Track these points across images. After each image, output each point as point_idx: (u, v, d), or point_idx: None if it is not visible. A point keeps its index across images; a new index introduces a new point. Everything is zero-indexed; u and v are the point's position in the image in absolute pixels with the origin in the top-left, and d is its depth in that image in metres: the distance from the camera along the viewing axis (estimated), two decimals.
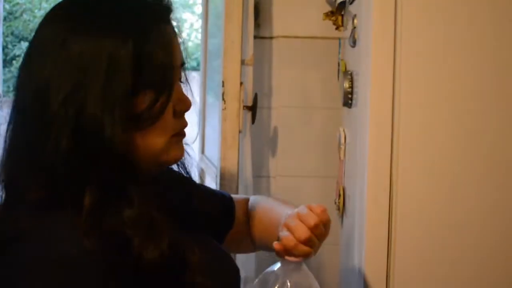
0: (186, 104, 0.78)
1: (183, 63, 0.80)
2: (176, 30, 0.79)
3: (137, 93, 0.71)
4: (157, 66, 0.72)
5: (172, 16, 0.78)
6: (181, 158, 0.81)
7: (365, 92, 1.24)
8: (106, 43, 0.70)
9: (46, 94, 0.70)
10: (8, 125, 0.74)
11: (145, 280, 0.68)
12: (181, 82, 0.80)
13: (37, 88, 0.71)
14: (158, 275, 0.69)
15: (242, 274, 0.92)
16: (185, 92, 0.80)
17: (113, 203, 0.69)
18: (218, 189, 1.81)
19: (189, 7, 14.51)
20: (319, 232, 0.81)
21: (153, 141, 0.75)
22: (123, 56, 0.70)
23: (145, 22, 0.73)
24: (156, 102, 0.72)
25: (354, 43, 1.39)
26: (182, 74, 0.80)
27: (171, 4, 0.78)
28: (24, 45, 10.44)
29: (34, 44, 0.75)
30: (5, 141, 0.74)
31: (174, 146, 0.78)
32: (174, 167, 0.87)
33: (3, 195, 0.74)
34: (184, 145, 0.81)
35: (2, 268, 0.67)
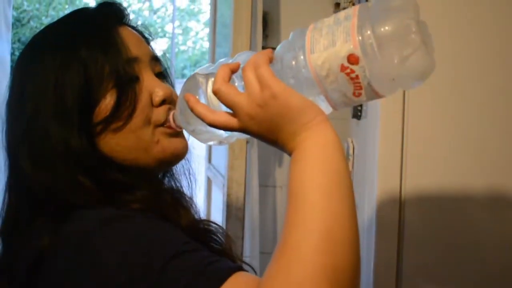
0: (158, 94, 0.78)
1: (155, 57, 0.81)
2: (142, 29, 0.84)
3: (99, 98, 0.73)
4: (111, 68, 0.74)
5: (128, 17, 0.83)
6: (181, 153, 0.80)
7: (375, 104, 1.24)
8: (51, 69, 0.74)
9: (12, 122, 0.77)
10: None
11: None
12: (161, 77, 0.82)
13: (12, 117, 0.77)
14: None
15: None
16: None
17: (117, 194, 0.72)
18: (225, 198, 1.81)
19: (194, 15, 14.59)
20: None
21: (139, 134, 0.75)
22: (68, 76, 0.73)
23: (88, 33, 0.76)
24: (120, 99, 0.73)
25: None
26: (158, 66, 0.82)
27: (120, 7, 0.82)
28: None
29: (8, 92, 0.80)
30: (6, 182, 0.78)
31: (164, 138, 0.78)
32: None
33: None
34: (183, 141, 0.81)
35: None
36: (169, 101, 0.79)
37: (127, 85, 0.74)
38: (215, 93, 0.69)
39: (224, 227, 1.80)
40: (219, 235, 0.81)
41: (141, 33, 0.84)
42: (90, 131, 0.73)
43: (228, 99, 0.68)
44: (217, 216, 1.95)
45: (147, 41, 0.84)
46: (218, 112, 0.70)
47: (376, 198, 1.22)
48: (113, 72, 0.74)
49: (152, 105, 0.77)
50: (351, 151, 1.51)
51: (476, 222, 1.20)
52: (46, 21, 9.96)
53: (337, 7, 1.80)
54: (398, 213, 1.21)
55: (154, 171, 0.81)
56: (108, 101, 0.73)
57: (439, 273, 1.20)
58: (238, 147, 1.72)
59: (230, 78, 0.70)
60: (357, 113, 1.41)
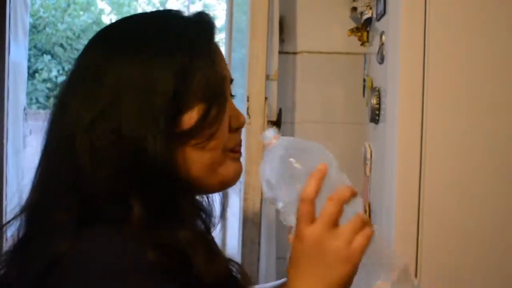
0: (240, 120, 0.77)
1: (232, 80, 0.79)
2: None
3: (186, 108, 0.71)
4: (206, 80, 0.72)
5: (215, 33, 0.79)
6: (239, 176, 0.79)
7: (394, 108, 1.24)
8: (144, 66, 0.70)
9: (75, 115, 0.70)
10: (42, 151, 0.74)
11: None
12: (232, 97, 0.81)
13: (66, 112, 0.72)
14: None
15: None
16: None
17: (165, 220, 0.69)
18: (242, 203, 1.81)
19: None
20: None
21: (214, 154, 0.73)
22: (162, 76, 0.70)
23: (188, 40, 0.74)
24: (207, 115, 0.71)
25: (382, 59, 1.39)
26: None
27: (214, 21, 0.79)
28: (47, 58, 10.58)
29: (71, 75, 0.75)
30: (38, 165, 0.74)
31: (231, 161, 0.76)
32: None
33: (29, 220, 0.72)
34: (241, 165, 0.79)
35: None
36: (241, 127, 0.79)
37: (218, 103, 0.73)
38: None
39: (241, 232, 1.81)
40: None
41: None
42: (171, 139, 0.70)
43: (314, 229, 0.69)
44: (233, 221, 1.95)
45: None
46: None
47: (395, 203, 1.21)
48: (207, 85, 0.72)
49: (230, 128, 0.76)
50: (368, 156, 1.50)
51: (496, 228, 1.19)
52: (62, 27, 9.99)
53: (354, 11, 1.79)
54: (417, 219, 1.20)
55: (207, 193, 0.81)
56: (192, 115, 0.71)
57: (458, 282, 1.19)
58: (255, 152, 1.72)
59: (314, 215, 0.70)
60: (375, 117, 1.40)
